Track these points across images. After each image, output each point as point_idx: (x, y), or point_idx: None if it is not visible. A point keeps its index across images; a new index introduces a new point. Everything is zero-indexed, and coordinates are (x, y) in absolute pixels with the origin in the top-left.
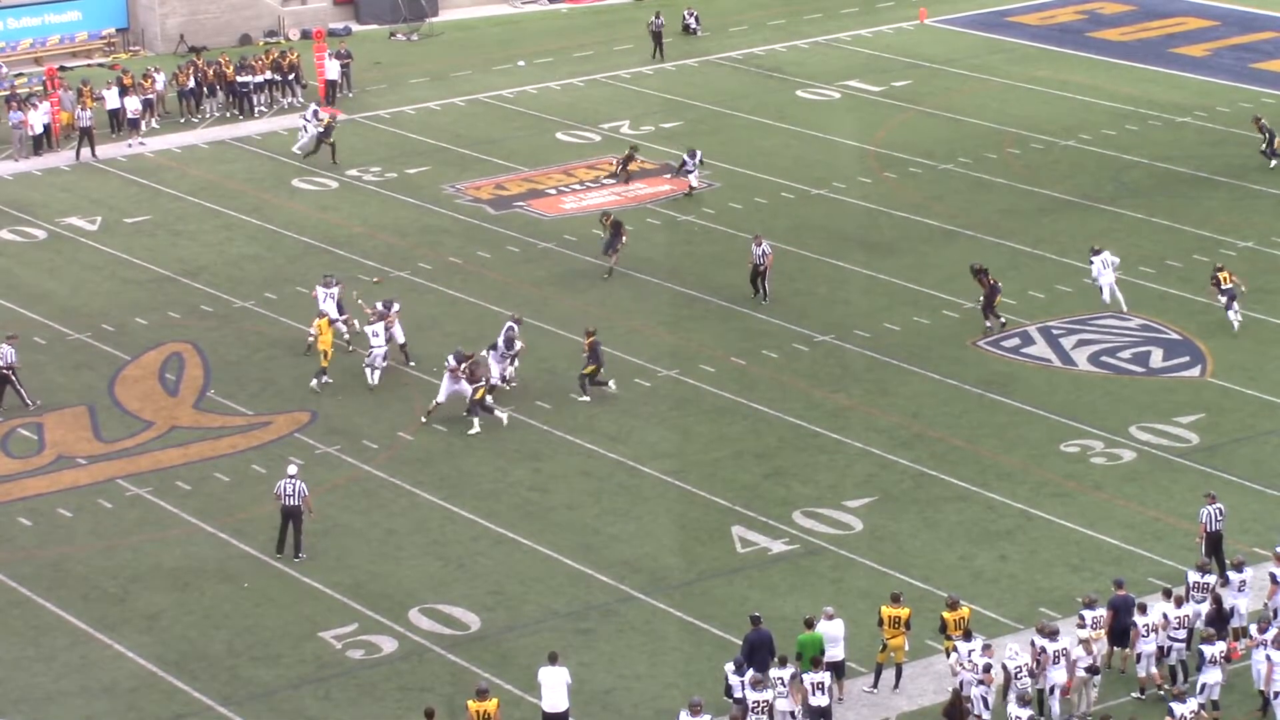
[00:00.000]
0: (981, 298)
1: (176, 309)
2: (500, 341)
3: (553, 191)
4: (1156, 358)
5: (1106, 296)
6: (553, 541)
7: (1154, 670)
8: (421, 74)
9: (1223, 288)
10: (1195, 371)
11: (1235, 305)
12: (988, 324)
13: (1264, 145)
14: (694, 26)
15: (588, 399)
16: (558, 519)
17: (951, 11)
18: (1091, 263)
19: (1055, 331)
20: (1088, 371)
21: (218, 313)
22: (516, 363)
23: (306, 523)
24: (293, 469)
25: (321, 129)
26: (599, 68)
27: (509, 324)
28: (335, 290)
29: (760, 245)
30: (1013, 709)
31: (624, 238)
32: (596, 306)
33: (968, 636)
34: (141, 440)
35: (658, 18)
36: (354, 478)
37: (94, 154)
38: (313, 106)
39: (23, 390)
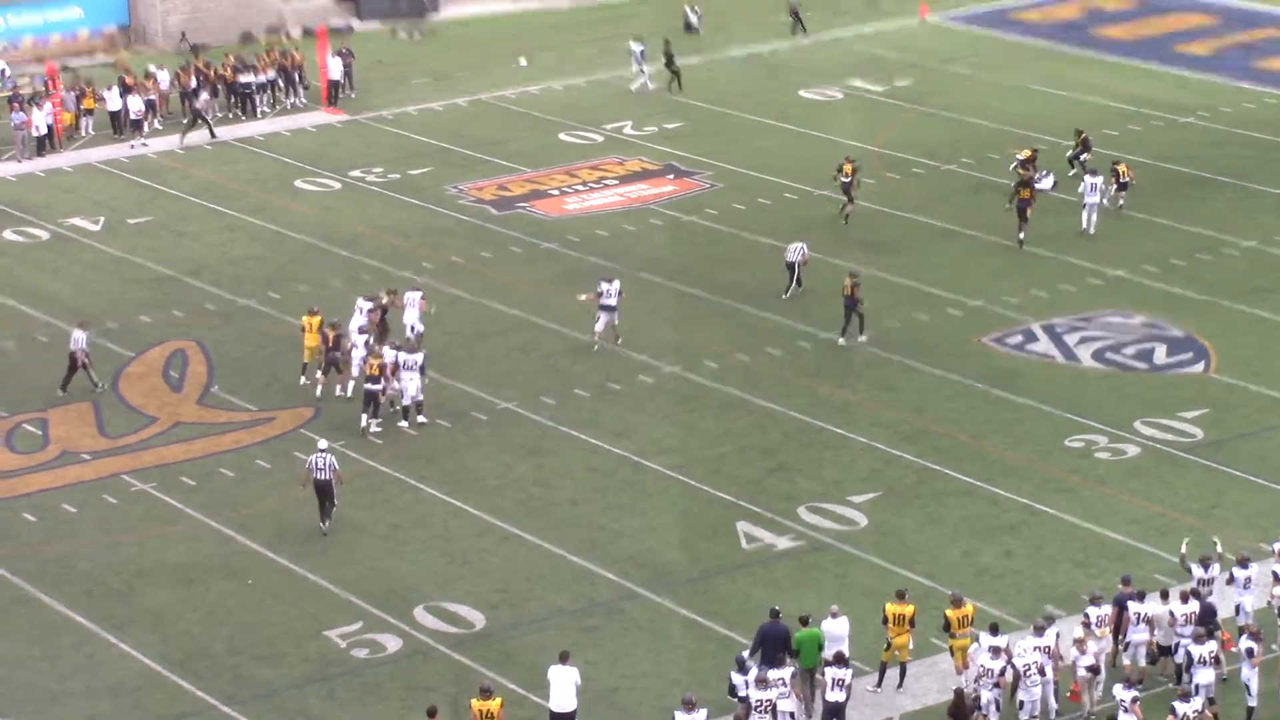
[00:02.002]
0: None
1: (180, 308)
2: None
3: (555, 192)
4: (1160, 354)
5: (1084, 218)
6: (557, 538)
7: (1141, 663)
8: (424, 73)
9: (1120, 180)
10: (1199, 368)
11: (1123, 196)
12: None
13: (1074, 152)
14: (696, 25)
15: (864, 338)
16: (562, 515)
17: (953, 8)
18: (1084, 179)
19: (1059, 328)
20: (1092, 368)
21: (221, 311)
22: (617, 318)
23: (339, 496)
24: (323, 443)
25: (665, 58)
26: (601, 67)
27: (605, 283)
28: (368, 306)
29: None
30: (1119, 691)
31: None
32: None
33: (994, 631)
34: (145, 436)
35: None
36: (358, 473)
37: (212, 134)
38: (635, 45)
39: (92, 371)
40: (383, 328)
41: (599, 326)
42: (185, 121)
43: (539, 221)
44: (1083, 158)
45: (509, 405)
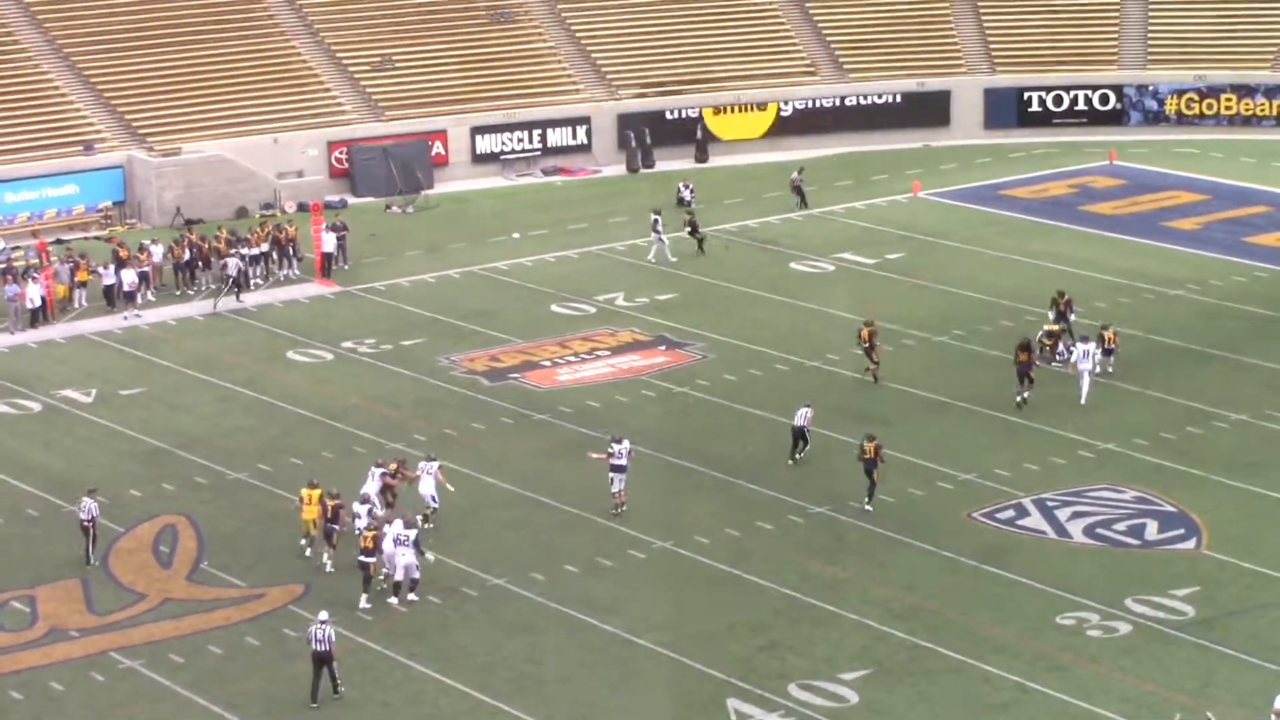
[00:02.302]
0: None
1: (171, 481)
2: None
3: (547, 363)
4: (1151, 530)
5: (1081, 386)
6: (547, 715)
7: None
8: (417, 246)
9: (1106, 346)
10: (1191, 544)
11: (1111, 363)
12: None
13: (1055, 316)
14: (688, 198)
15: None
16: (551, 693)
17: (945, 184)
18: (1074, 347)
19: (1050, 503)
20: (1083, 544)
21: (212, 485)
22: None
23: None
24: (324, 614)
25: (689, 228)
26: (593, 240)
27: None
28: (380, 471)
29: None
30: None
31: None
32: (592, 480)
33: None
34: (134, 613)
35: (799, 173)
36: (348, 650)
37: (215, 307)
38: (654, 216)
39: (92, 547)
40: (387, 497)
41: (615, 489)
42: (225, 288)
43: (530, 392)
44: (1070, 319)
45: (499, 581)
